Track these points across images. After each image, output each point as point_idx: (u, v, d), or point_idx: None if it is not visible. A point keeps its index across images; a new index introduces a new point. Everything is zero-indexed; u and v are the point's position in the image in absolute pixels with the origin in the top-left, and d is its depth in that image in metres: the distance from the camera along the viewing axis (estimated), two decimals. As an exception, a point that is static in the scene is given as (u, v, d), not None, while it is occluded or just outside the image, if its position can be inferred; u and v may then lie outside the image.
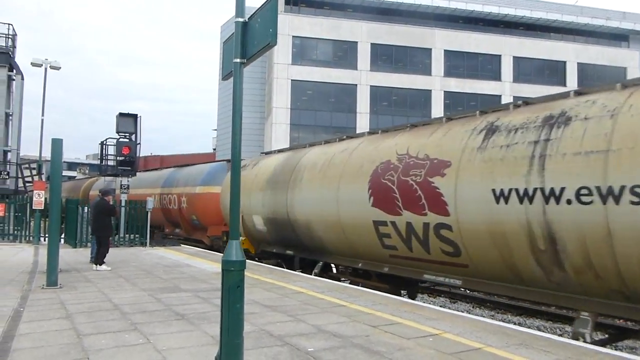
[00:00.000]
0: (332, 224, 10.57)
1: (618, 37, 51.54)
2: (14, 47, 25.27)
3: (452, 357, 5.08)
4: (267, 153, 16.00)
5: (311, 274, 11.53)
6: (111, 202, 12.36)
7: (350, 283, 10.88)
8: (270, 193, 13.00)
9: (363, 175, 9.61)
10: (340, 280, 11.40)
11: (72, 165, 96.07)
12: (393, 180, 8.78)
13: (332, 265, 12.26)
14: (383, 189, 9.00)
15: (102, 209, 11.95)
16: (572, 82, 46.24)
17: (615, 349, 7.56)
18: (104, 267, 11.50)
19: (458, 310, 10.14)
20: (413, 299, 10.46)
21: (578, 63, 47.83)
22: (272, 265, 13.25)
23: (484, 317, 9.15)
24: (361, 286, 10.06)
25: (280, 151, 15.12)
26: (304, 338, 5.77)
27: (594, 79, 45.96)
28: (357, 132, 41.92)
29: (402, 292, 10.67)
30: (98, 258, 11.66)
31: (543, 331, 8.60)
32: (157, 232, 23.12)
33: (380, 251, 9.50)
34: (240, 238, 12.90)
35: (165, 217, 22.09)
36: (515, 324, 9.30)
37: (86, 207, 16.28)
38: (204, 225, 18.81)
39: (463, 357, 5.10)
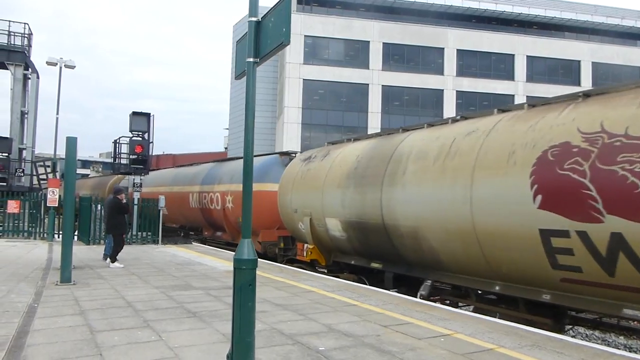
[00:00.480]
0: (457, 232, 7.80)
1: (633, 36, 50.87)
2: (29, 46, 25.54)
3: (464, 358, 5.05)
4: (334, 143, 13.38)
5: (415, 296, 8.97)
6: (124, 201, 12.52)
7: (474, 310, 8.34)
8: (353, 191, 10.43)
9: (519, 164, 6.96)
10: (457, 306, 8.94)
11: (85, 163, 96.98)
12: (583, 171, 6.16)
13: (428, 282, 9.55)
14: (562, 184, 6.37)
15: (116, 207, 12.10)
16: (586, 82, 45.76)
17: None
18: (116, 264, 11.63)
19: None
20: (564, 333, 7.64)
21: (593, 62, 47.30)
22: (351, 280, 10.75)
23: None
24: (498, 317, 7.60)
25: (357, 139, 12.37)
26: (314, 337, 5.77)
27: (608, 79, 45.44)
28: (369, 132, 42.09)
29: (566, 327, 8.26)
30: (112, 255, 11.81)
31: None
32: (194, 235, 21.48)
33: (544, 272, 6.77)
34: (307, 246, 12.26)
35: (205, 219, 19.55)
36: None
37: (99, 205, 16.44)
38: (254, 228, 16.69)
39: (475, 357, 5.07)
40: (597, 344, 6.48)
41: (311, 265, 12.40)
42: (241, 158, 19.46)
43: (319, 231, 11.91)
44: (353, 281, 10.62)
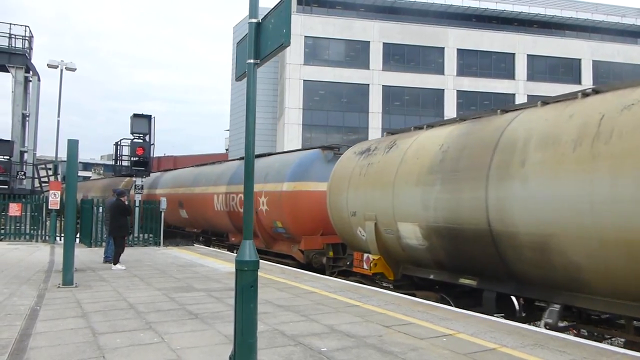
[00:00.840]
0: (621, 243, 5.77)
1: (634, 34, 50.84)
2: (30, 48, 25.60)
3: (467, 358, 5.05)
4: (394, 132, 11.31)
5: (526, 323, 7.42)
6: (126, 203, 12.57)
7: (627, 345, 6.63)
8: (440, 189, 8.26)
9: None
10: (607, 341, 7.25)
11: (87, 166, 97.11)
12: None
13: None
14: None
15: (119, 209, 12.12)
16: (587, 80, 45.75)
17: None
18: (118, 266, 11.65)
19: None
20: None
21: (593, 61, 47.27)
22: (432, 300, 8.70)
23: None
24: None
25: (430, 126, 10.05)
26: (317, 338, 5.77)
27: (609, 77, 45.39)
28: (370, 133, 42.15)
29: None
30: (114, 257, 11.85)
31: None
32: (216, 241, 19.92)
33: None
34: (371, 256, 9.98)
35: (233, 223, 17.07)
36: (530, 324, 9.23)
37: (102, 207, 16.46)
38: (293, 234, 13.89)
39: (478, 357, 5.07)
40: (600, 342, 6.48)
41: (371, 280, 10.39)
42: (273, 154, 16.61)
43: (388, 239, 9.68)
44: (435, 301, 8.60)
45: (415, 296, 8.87)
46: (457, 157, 8.21)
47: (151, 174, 20.50)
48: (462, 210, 7.86)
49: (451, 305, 8.31)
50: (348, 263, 11.51)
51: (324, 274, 11.86)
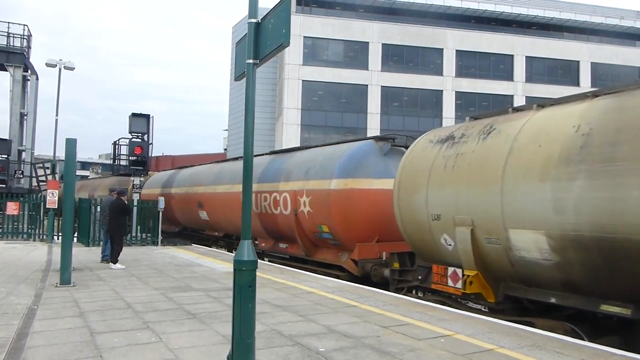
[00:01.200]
0: None
1: (632, 37, 50.97)
2: (28, 47, 25.54)
3: (464, 359, 5.05)
4: (477, 117, 9.07)
5: None
6: (126, 202, 12.57)
7: None
8: (584, 185, 6.19)
9: None
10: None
11: (85, 165, 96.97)
12: None
13: None
14: None
15: (119, 208, 12.09)
16: (585, 82, 45.84)
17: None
18: (118, 265, 11.66)
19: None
20: None
21: (592, 63, 47.36)
22: (560, 332, 6.63)
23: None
24: None
25: (540, 106, 7.76)
26: (314, 338, 5.77)
27: (607, 79, 45.49)
28: (368, 134, 42.12)
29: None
30: (113, 257, 11.82)
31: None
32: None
33: None
34: (463, 272, 7.73)
35: (264, 226, 14.88)
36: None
37: (98, 207, 16.42)
38: (343, 241, 11.76)
39: (475, 358, 5.08)
40: (597, 343, 6.48)
41: (456, 301, 8.55)
42: (316, 146, 14.55)
43: (491, 250, 7.49)
44: (563, 333, 6.63)
45: (533, 326, 6.93)
46: (609, 141, 6.15)
47: (165, 172, 19.55)
48: (624, 215, 5.80)
49: (583, 339, 6.39)
50: (420, 277, 9.37)
51: (386, 289, 9.94)
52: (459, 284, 8.09)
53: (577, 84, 45.65)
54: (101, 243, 14.48)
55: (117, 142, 19.56)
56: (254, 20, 4.43)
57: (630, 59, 48.08)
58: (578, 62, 47.31)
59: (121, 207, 12.16)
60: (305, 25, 43.43)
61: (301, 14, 44.13)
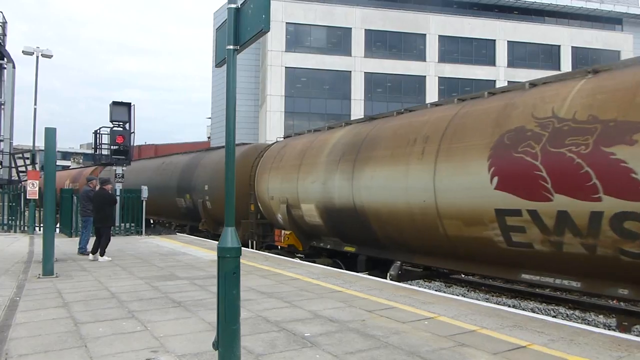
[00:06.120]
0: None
1: (612, 20, 51.50)
2: (4, 34, 24.94)
3: (448, 340, 5.14)
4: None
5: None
6: (110, 192, 12.26)
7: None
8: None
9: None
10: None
11: (66, 155, 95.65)
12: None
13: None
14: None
15: (106, 199, 11.68)
16: (566, 66, 46.23)
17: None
18: (105, 257, 11.33)
19: (453, 294, 10.23)
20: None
21: (572, 47, 47.78)
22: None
23: (478, 300, 9.24)
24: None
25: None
26: (300, 323, 5.81)
27: (588, 63, 45.93)
28: (352, 118, 42.04)
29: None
30: (100, 249, 11.40)
31: (537, 313, 8.70)
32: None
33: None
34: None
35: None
36: (510, 306, 9.40)
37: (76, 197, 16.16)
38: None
39: (458, 339, 5.16)
40: (577, 322, 6.65)
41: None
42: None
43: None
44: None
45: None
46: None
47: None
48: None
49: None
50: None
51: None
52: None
53: (559, 68, 46.02)
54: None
55: (99, 131, 19.27)
56: (233, 6, 4.39)
57: (610, 42, 48.59)
58: (559, 46, 47.69)
59: (108, 197, 11.75)
60: (287, 12, 43.06)
61: (283, 0, 43.72)
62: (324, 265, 11.02)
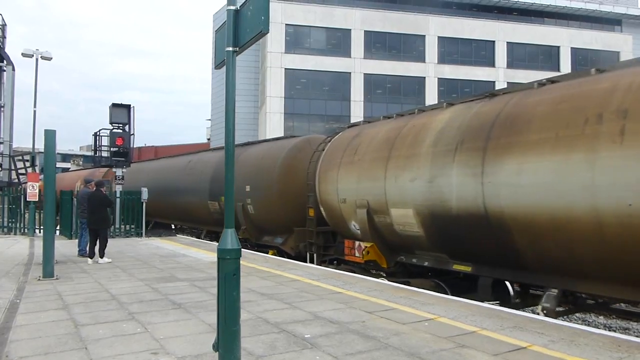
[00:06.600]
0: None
1: (611, 22, 51.52)
2: (4, 37, 24.97)
3: (448, 341, 5.14)
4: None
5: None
6: (105, 193, 12.28)
7: None
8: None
9: None
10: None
11: (66, 157, 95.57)
12: None
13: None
14: None
15: (102, 200, 11.68)
16: (565, 67, 46.24)
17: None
18: (105, 259, 11.33)
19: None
20: None
21: (572, 48, 47.80)
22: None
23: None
24: None
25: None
26: (300, 325, 5.81)
27: (587, 64, 45.96)
28: (352, 120, 42.09)
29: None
30: (99, 250, 11.40)
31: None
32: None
33: None
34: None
35: None
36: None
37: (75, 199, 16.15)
38: None
39: (458, 340, 5.16)
40: (577, 324, 6.64)
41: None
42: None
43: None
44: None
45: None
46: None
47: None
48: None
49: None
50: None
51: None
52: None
53: (558, 69, 46.07)
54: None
55: (98, 133, 19.28)
56: (232, 8, 4.39)
57: (609, 43, 48.62)
58: (558, 47, 47.71)
59: (104, 199, 11.78)
60: (287, 13, 43.08)
61: (283, 2, 43.74)
62: (424, 288, 8.23)
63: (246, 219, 14.60)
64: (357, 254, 10.23)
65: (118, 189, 17.98)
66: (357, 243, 10.34)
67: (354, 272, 10.13)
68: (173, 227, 22.28)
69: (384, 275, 10.10)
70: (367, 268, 10.53)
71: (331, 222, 11.67)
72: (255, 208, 14.19)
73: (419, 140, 9.00)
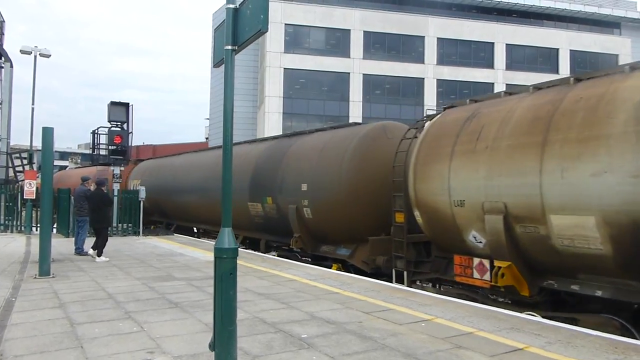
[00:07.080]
0: None
1: (610, 24, 51.63)
2: (2, 33, 24.92)
3: (445, 342, 5.13)
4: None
5: None
6: (105, 191, 12.28)
7: None
8: None
9: None
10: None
11: (64, 155, 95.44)
12: None
13: None
14: None
15: (102, 199, 11.70)
16: (564, 70, 46.31)
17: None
18: (103, 258, 11.32)
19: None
20: None
21: (571, 50, 47.89)
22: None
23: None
24: None
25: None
26: (297, 325, 5.80)
27: (586, 66, 46.04)
28: (351, 121, 42.10)
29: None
30: (97, 249, 11.42)
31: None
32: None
33: None
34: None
35: None
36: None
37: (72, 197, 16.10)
38: None
39: (455, 341, 5.15)
40: (574, 325, 6.64)
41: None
42: None
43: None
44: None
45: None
46: None
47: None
48: None
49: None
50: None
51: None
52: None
53: (557, 71, 46.14)
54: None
55: (96, 131, 19.23)
56: (231, 6, 4.38)
57: (608, 46, 48.71)
58: (557, 49, 47.79)
59: (105, 198, 11.79)
60: (286, 13, 43.07)
61: (283, 1, 43.72)
62: (605, 331, 5.81)
63: (300, 224, 11.79)
64: (477, 275, 7.76)
65: (115, 187, 17.95)
66: (476, 260, 7.82)
67: (465, 298, 7.85)
68: (195, 230, 19.79)
69: (534, 315, 6.93)
70: (492, 294, 7.91)
71: (431, 231, 8.96)
72: (314, 211, 11.45)
73: (600, 117, 6.31)
